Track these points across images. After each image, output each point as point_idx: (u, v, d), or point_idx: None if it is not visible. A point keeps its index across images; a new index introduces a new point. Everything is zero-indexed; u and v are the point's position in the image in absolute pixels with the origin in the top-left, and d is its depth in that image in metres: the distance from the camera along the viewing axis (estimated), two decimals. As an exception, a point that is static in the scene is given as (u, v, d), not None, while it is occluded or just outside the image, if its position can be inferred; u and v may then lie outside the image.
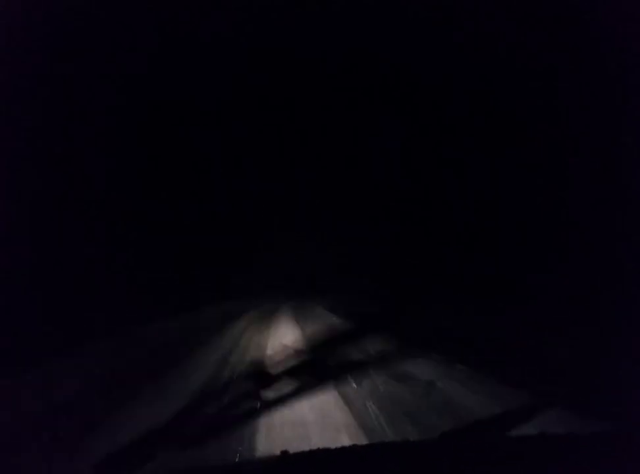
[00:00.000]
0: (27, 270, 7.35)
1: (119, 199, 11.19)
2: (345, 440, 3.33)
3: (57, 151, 8.64)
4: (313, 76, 22.38)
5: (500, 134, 11.43)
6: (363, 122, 23.69)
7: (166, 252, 14.13)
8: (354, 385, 4.79)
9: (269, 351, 6.98)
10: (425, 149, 16.13)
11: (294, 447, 1.24)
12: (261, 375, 4.65)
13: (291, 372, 4.34)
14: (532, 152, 10.16)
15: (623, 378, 3.88)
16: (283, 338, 8.53)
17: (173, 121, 14.70)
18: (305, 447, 1.24)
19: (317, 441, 3.33)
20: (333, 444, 1.19)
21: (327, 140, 28.69)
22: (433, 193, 15.79)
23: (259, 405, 3.94)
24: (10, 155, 7.20)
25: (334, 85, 22.97)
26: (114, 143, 10.81)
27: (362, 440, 3.29)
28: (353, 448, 1.24)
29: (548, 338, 5.60)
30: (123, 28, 10.34)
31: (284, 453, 1.20)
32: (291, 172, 33.53)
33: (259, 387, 4.21)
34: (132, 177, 11.71)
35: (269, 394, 4.09)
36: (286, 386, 4.08)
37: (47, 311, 7.02)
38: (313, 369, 4.86)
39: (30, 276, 7.36)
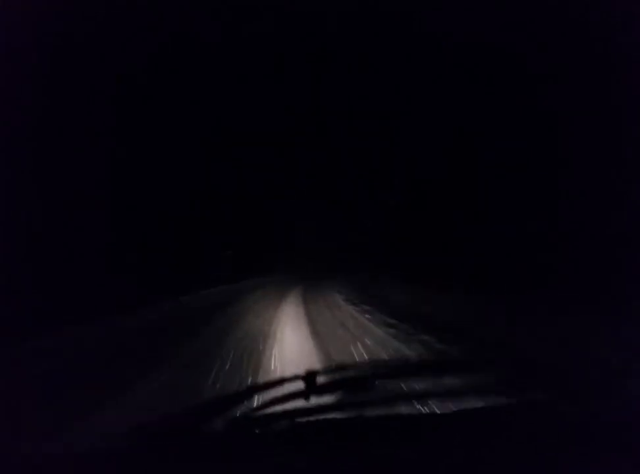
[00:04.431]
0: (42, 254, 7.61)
1: (127, 192, 11.38)
2: None
3: (59, 146, 8.73)
4: (313, 71, 22.50)
5: (503, 130, 11.42)
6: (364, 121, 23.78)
7: (171, 233, 14.45)
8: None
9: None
10: (426, 145, 16.16)
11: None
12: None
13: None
14: (535, 146, 10.14)
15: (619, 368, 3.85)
16: (292, 321, 8.61)
17: (179, 116, 14.84)
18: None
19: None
20: None
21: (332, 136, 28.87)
22: (434, 185, 15.83)
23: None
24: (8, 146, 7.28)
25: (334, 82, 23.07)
26: (121, 138, 10.96)
27: None
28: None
29: (542, 328, 5.59)
30: (123, 28, 10.42)
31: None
32: (294, 158, 33.59)
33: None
34: (137, 166, 11.81)
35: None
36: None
37: (57, 288, 7.26)
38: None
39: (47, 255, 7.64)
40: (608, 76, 8.20)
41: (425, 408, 1.74)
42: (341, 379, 1.22)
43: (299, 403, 1.14)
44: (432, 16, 12.79)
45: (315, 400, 1.13)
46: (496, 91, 11.47)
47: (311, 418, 1.13)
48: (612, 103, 8.02)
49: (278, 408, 1.14)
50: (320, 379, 1.17)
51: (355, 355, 5.06)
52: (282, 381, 1.21)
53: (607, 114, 8.17)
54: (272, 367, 4.53)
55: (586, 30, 8.50)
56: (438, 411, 1.13)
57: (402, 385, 1.22)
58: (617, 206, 7.64)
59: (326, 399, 1.14)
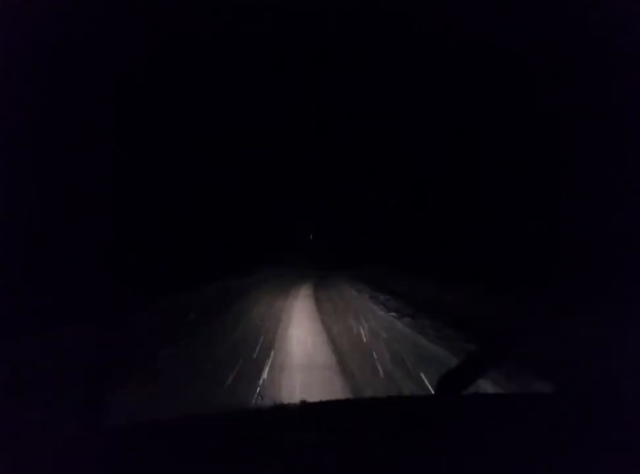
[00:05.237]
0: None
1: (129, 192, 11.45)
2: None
3: (57, 145, 8.74)
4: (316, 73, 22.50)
5: (502, 130, 11.42)
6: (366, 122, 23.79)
7: (178, 230, 14.53)
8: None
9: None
10: (427, 144, 16.17)
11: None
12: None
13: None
14: (542, 147, 10.12)
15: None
16: (300, 317, 8.57)
17: (180, 116, 14.88)
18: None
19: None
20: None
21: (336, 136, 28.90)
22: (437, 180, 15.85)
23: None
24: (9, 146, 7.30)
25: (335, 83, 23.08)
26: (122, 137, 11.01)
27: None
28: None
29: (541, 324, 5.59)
30: (123, 27, 10.42)
31: (303, 402, 1.18)
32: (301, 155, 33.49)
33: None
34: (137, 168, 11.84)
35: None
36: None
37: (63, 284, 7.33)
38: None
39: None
40: (607, 76, 8.20)
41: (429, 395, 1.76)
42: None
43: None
44: (432, 16, 12.80)
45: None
46: (496, 91, 11.48)
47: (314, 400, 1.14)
48: (612, 103, 8.02)
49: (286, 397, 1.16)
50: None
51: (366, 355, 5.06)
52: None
53: (606, 114, 8.17)
54: (278, 367, 4.49)
55: (587, 30, 8.50)
56: (446, 398, 1.15)
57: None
58: (618, 206, 7.64)
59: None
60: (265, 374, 4.00)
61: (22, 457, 0.98)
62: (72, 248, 8.67)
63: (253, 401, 3.12)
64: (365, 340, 5.76)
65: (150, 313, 8.86)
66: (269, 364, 4.40)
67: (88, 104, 9.67)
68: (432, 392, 1.31)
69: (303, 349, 5.11)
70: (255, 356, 4.81)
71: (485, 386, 3.22)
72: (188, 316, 8.34)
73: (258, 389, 3.58)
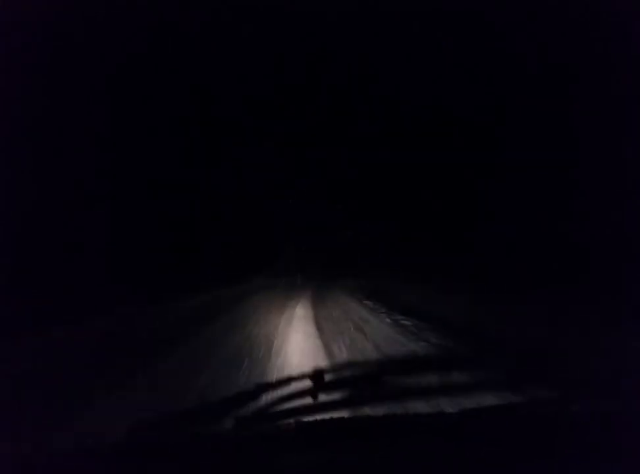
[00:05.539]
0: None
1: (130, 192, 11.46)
2: None
3: (54, 145, 8.73)
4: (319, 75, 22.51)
5: (504, 130, 11.43)
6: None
7: (179, 230, 14.50)
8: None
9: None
10: (429, 144, 16.19)
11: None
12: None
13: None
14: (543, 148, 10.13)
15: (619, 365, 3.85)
16: (298, 321, 8.47)
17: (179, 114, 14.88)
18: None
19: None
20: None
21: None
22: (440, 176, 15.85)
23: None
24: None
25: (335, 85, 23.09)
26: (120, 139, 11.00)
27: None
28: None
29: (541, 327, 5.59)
30: (122, 27, 10.42)
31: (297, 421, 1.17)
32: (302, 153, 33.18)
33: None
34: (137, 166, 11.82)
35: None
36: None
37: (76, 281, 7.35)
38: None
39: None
40: (608, 76, 8.21)
41: (433, 406, 1.73)
42: (349, 377, 1.21)
43: (306, 401, 1.13)
44: (432, 16, 12.80)
45: (322, 398, 1.12)
46: (497, 91, 11.48)
47: (319, 417, 1.12)
48: (612, 103, 8.03)
49: (286, 406, 1.14)
50: (328, 377, 1.16)
51: (364, 354, 5.03)
52: (289, 380, 1.20)
53: (606, 114, 8.18)
54: (278, 369, 4.46)
55: (586, 30, 8.51)
56: (446, 410, 1.13)
57: (410, 382, 1.20)
58: (618, 205, 7.64)
59: (334, 396, 1.13)
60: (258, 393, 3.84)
61: (22, 457, 0.97)
62: (72, 249, 8.66)
63: (247, 421, 3.04)
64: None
65: (150, 314, 8.87)
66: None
67: (88, 103, 9.67)
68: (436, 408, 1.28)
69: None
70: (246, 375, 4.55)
71: (485, 393, 3.19)
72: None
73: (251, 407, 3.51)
